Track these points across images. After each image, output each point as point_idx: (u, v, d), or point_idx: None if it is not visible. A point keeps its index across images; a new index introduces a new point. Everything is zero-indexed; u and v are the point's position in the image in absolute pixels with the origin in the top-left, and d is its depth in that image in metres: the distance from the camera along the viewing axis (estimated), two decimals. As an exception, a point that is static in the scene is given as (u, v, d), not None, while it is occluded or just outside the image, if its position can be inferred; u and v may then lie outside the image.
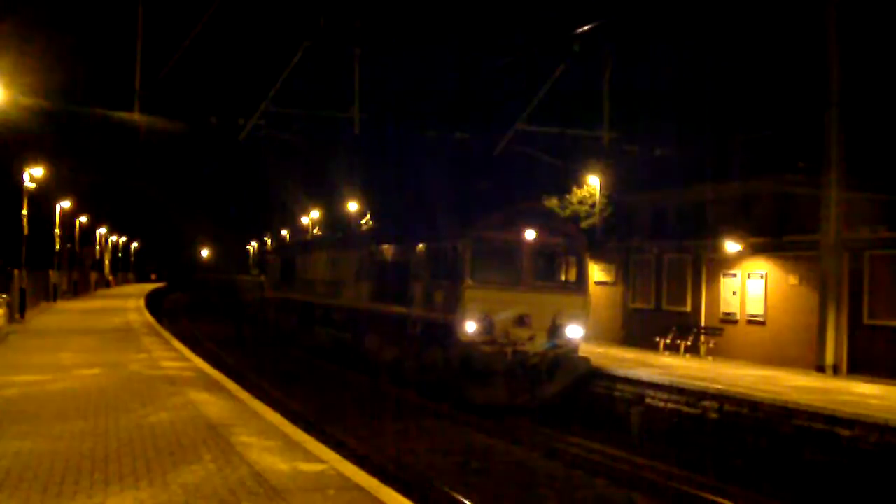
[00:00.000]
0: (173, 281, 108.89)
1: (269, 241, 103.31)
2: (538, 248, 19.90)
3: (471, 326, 18.88)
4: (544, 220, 20.69)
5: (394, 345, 22.59)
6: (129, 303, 48.59)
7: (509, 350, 18.83)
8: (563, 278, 20.54)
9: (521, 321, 19.13)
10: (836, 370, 20.66)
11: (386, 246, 24.39)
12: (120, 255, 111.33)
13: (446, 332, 19.46)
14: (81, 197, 62.32)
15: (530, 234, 19.69)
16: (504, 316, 19.05)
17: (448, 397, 19.40)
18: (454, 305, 19.22)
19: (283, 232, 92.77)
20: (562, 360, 19.23)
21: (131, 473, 7.93)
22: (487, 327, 18.94)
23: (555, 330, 19.40)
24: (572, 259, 20.49)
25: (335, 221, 68.38)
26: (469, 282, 19.11)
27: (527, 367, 18.81)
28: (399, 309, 22.08)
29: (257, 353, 31.50)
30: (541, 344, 19.12)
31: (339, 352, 27.38)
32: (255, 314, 45.52)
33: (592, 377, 19.73)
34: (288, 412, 15.22)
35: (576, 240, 20.95)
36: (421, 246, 21.40)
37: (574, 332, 19.61)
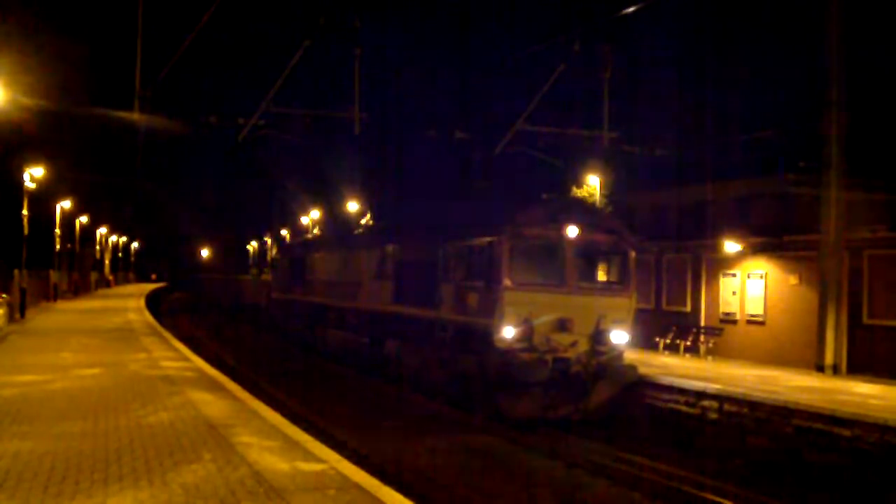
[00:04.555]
0: (173, 281, 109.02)
1: (269, 241, 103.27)
2: (582, 246, 18.21)
3: (508, 332, 17.23)
4: (589, 215, 19.12)
5: (419, 350, 21.05)
6: (129, 303, 48.61)
7: (550, 358, 17.29)
8: (606, 278, 19.17)
9: (562, 326, 17.54)
10: (835, 370, 20.65)
11: (409, 244, 22.70)
12: (120, 255, 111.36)
13: (480, 337, 17.89)
14: (81, 197, 62.28)
15: (573, 231, 17.97)
16: (545, 320, 17.48)
17: (482, 408, 18.07)
18: (490, 309, 17.54)
19: (283, 232, 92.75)
20: (606, 367, 17.77)
21: (131, 473, 7.94)
22: (527, 333, 17.32)
23: (598, 335, 17.82)
24: (617, 258, 18.80)
25: (336, 221, 68.29)
26: (507, 283, 17.38)
27: (569, 375, 17.33)
28: (425, 312, 20.36)
29: (260, 354, 31.49)
30: (583, 351, 17.70)
31: (355, 356, 25.98)
32: (261, 315, 45.35)
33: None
34: (290, 413, 15.18)
35: (624, 237, 19.00)
36: (451, 244, 19.58)
37: (619, 337, 18.05)
